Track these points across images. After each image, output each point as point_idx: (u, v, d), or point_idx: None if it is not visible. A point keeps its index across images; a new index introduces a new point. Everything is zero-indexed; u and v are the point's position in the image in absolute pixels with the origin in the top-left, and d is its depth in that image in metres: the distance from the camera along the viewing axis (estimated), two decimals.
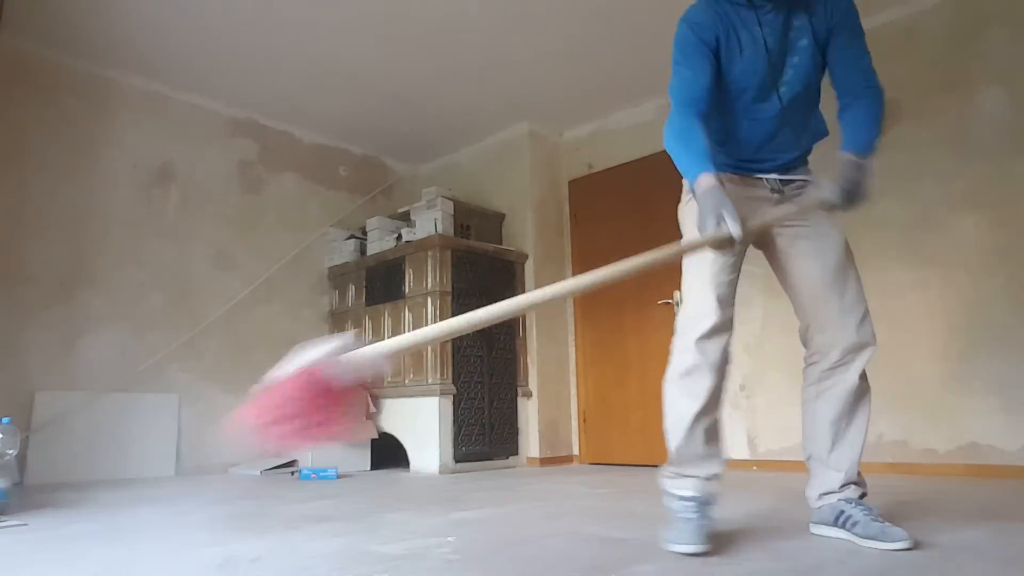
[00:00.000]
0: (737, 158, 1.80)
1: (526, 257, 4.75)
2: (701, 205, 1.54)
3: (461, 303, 4.30)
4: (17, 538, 1.94)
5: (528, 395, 4.56)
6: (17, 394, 3.51)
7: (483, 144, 5.22)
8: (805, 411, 1.84)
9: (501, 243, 4.81)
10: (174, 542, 1.86)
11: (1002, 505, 2.28)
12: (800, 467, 3.77)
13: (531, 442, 4.51)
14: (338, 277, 4.94)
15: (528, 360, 4.63)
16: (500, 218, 4.92)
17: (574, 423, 4.73)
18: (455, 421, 4.13)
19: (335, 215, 5.14)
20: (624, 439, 4.42)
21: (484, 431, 4.28)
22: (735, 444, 3.92)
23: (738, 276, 1.83)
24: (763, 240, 1.83)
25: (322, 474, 3.71)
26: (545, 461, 4.47)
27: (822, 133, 1.85)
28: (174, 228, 4.29)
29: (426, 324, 4.19)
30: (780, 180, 1.80)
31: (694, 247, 1.60)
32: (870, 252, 3.57)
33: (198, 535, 1.96)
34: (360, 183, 5.37)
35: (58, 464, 3.56)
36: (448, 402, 4.11)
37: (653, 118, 4.60)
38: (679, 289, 4.64)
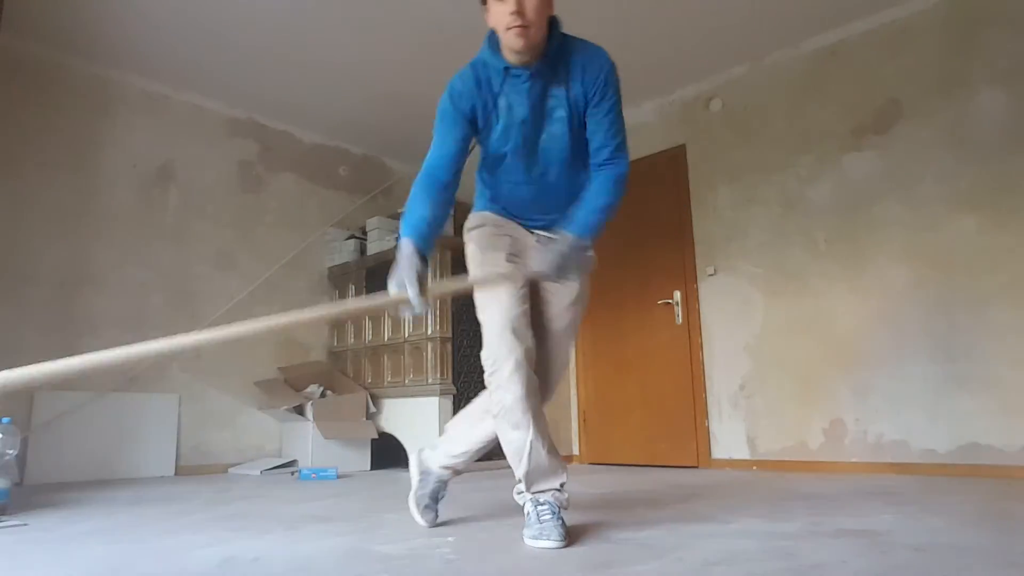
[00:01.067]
0: (509, 212, 1.94)
1: None
2: (396, 268, 1.66)
3: (461, 303, 4.30)
4: (17, 538, 1.94)
5: None
6: (17, 394, 3.51)
7: None
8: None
9: None
10: (174, 542, 1.86)
11: (1002, 505, 2.28)
12: (800, 467, 3.78)
13: None
14: (338, 277, 4.94)
15: None
16: None
17: (574, 423, 4.72)
18: None
19: (335, 215, 5.14)
20: (624, 439, 4.42)
21: None
22: (735, 444, 3.92)
23: (530, 306, 1.89)
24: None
25: (322, 474, 3.71)
26: None
27: None
28: (174, 228, 4.30)
29: (426, 324, 4.19)
30: (547, 236, 1.91)
31: (379, 305, 1.75)
32: (870, 252, 3.58)
33: (198, 535, 1.96)
34: (360, 183, 5.37)
35: (58, 464, 3.57)
36: (448, 402, 4.11)
37: (653, 118, 4.60)
38: (679, 290, 4.64)
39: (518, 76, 1.73)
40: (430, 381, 4.11)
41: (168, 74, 4.22)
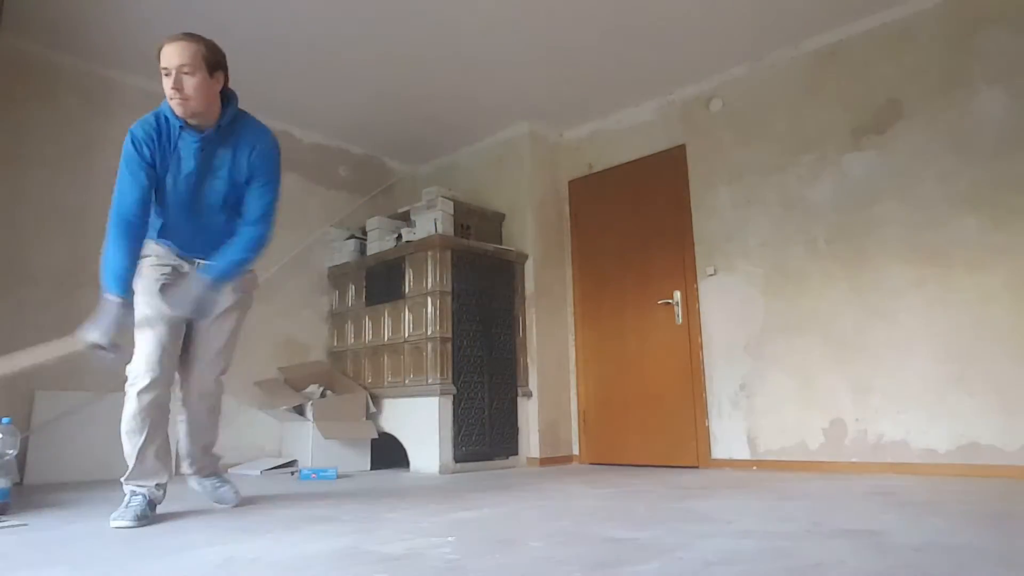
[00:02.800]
0: (175, 243, 2.28)
1: (526, 257, 4.75)
2: (102, 319, 1.96)
3: (461, 303, 4.30)
4: (17, 538, 1.94)
5: (528, 395, 4.56)
6: (17, 394, 3.51)
7: (483, 144, 5.21)
8: (180, 428, 2.57)
9: (501, 243, 4.81)
10: (174, 542, 1.86)
11: (1002, 505, 2.28)
12: (800, 467, 3.78)
13: (531, 442, 4.51)
14: (338, 277, 4.94)
15: (528, 360, 4.63)
16: (500, 218, 4.92)
17: (574, 423, 4.72)
18: (455, 421, 4.13)
19: (335, 215, 5.13)
20: (624, 439, 4.42)
21: (484, 431, 4.28)
22: (735, 444, 3.92)
23: (182, 340, 2.35)
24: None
25: (322, 474, 3.71)
26: (545, 461, 4.46)
27: None
28: None
29: (426, 324, 4.19)
30: (206, 264, 2.26)
31: (69, 351, 2.02)
32: (870, 252, 3.58)
33: (198, 535, 1.96)
34: (360, 183, 5.37)
35: (58, 464, 3.56)
36: (448, 402, 4.11)
37: (653, 118, 4.60)
38: (679, 290, 4.64)
39: (191, 136, 2.10)
40: (430, 381, 4.11)
41: None
